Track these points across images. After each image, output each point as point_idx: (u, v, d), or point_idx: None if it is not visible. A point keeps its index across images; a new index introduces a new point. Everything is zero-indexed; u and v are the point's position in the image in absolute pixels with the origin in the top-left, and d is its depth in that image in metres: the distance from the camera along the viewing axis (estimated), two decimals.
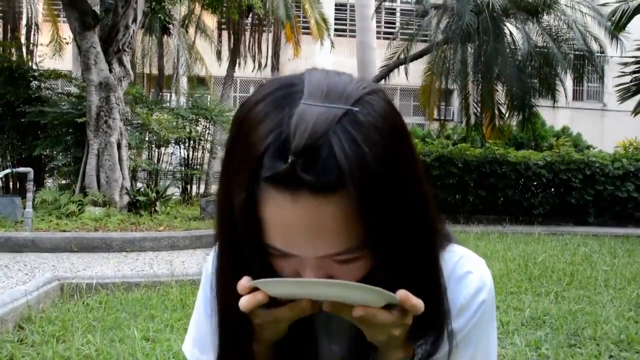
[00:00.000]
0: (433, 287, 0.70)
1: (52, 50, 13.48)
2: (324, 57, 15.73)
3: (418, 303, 0.62)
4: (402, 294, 0.62)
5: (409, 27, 12.92)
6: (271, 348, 0.73)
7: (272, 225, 0.59)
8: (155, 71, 14.41)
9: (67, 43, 10.21)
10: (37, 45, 12.54)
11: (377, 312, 0.62)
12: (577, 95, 20.01)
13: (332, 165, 0.54)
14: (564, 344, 3.16)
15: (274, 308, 0.65)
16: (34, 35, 12.70)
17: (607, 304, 4.08)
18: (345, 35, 19.01)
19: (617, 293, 4.46)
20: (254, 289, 0.63)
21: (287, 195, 0.56)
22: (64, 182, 8.93)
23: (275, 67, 14.46)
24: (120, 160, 7.69)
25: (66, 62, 13.14)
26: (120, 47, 7.69)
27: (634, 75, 9.09)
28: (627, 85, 9.26)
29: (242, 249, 0.65)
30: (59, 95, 9.44)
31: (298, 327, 0.70)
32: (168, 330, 3.20)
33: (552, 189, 10.24)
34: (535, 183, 10.20)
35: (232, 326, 0.73)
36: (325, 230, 0.58)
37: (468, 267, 0.78)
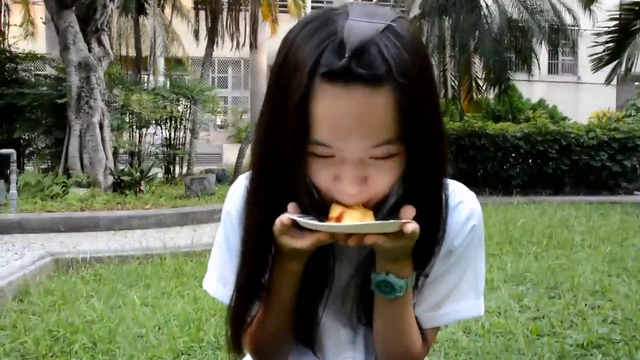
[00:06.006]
0: (438, 209, 0.81)
1: (24, 32, 13.19)
2: None
3: (415, 228, 0.72)
4: (406, 225, 0.71)
5: (386, 1, 12.96)
6: (302, 264, 0.82)
7: (324, 118, 0.68)
8: (131, 53, 14.19)
9: (44, 22, 10.00)
10: (9, 27, 12.25)
11: (383, 239, 0.72)
12: (552, 69, 20.32)
13: (381, 62, 0.66)
14: (544, 296, 3.34)
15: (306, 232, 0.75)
16: (4, 16, 12.39)
17: (583, 261, 4.29)
18: None
19: (592, 251, 4.68)
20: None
21: (341, 88, 0.66)
22: (44, 165, 8.84)
23: (253, 45, 14.32)
24: (103, 140, 7.65)
25: (39, 44, 12.87)
26: (99, 27, 7.59)
27: (606, 45, 9.28)
28: (600, 54, 9.46)
29: (282, 161, 0.73)
30: (37, 77, 9.29)
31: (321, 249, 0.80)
32: (165, 297, 3.29)
33: (530, 160, 10.42)
34: (513, 154, 10.38)
35: (259, 248, 0.83)
36: (372, 119, 0.67)
37: (460, 197, 0.90)
